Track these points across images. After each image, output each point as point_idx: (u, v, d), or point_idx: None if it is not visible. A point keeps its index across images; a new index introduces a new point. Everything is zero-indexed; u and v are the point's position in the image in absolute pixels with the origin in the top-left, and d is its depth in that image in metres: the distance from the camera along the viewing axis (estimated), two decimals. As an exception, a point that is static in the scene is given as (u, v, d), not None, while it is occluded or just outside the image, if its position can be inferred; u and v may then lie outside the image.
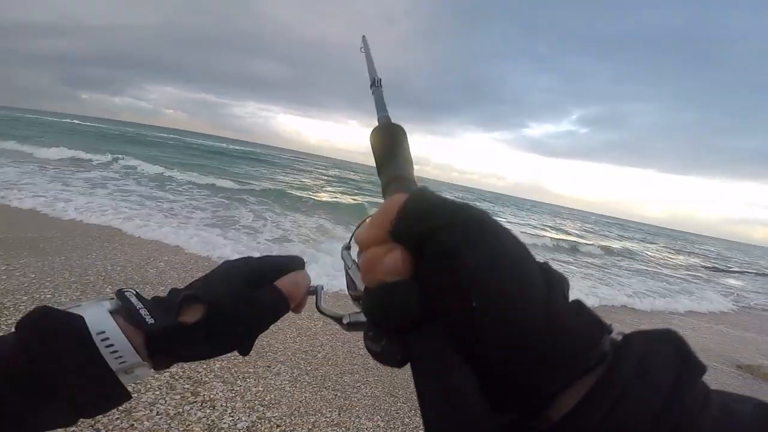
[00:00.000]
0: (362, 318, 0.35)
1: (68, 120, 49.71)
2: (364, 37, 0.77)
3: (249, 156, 33.99)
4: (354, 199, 15.70)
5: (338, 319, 0.39)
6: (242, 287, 0.43)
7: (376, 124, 0.50)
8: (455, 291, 0.24)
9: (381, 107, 0.55)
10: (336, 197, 15.70)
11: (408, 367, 0.26)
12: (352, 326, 0.37)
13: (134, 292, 0.40)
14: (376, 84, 0.61)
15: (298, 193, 13.17)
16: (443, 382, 0.24)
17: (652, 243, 29.51)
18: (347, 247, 0.45)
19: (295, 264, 0.48)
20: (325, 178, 26.89)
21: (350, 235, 0.40)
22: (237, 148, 48.40)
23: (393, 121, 0.51)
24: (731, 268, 20.32)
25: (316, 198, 13.07)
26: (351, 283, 0.40)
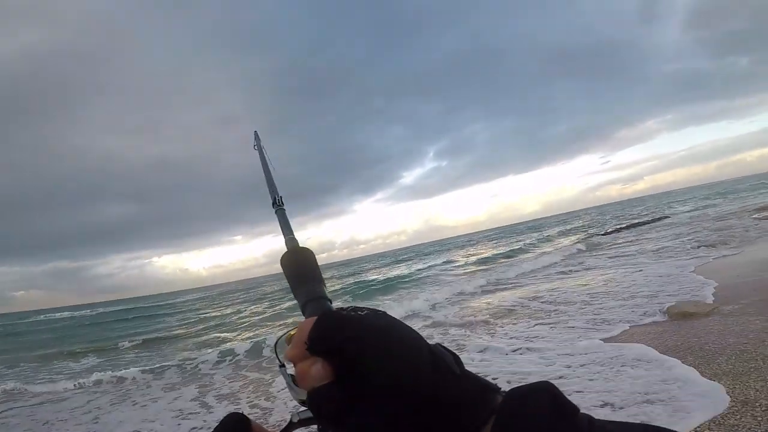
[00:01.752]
0: (309, 414, 0.39)
1: None
2: (256, 133, 0.87)
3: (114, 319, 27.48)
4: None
5: (290, 423, 0.42)
6: None
7: (284, 247, 0.54)
8: (365, 380, 0.32)
9: (287, 229, 0.60)
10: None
11: None
12: (302, 422, 0.41)
13: None
14: (278, 202, 0.66)
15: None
16: None
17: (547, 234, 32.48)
18: (281, 365, 0.47)
19: (239, 427, 0.41)
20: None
21: (275, 355, 0.46)
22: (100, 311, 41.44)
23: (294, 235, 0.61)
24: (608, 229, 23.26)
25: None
26: (293, 393, 0.43)
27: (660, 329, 4.63)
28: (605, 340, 4.63)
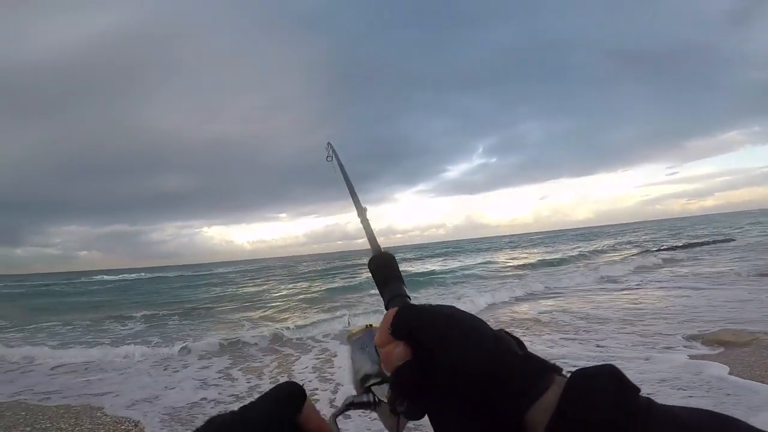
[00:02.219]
0: (363, 398, 0.51)
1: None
2: (329, 144, 0.92)
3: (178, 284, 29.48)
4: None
5: (345, 405, 0.51)
6: None
7: (370, 252, 0.64)
8: (436, 359, 0.39)
9: (371, 235, 0.69)
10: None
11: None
12: (354, 405, 0.51)
13: None
14: (363, 214, 0.75)
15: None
16: (445, 420, 0.39)
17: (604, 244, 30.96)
18: (361, 347, 0.56)
19: (295, 397, 0.46)
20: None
21: (348, 345, 0.58)
22: (160, 275, 44.57)
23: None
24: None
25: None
26: (362, 373, 0.53)
27: (694, 353, 4.59)
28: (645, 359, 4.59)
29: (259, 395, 0.45)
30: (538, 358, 0.40)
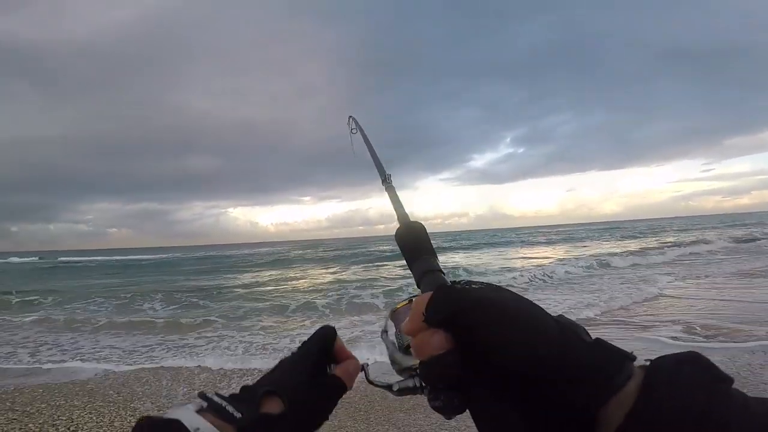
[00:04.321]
0: (409, 384, 0.44)
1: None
2: (351, 117, 0.91)
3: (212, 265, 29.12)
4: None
5: (388, 387, 0.46)
6: (309, 378, 0.48)
7: (396, 223, 0.58)
8: (482, 349, 0.34)
9: (398, 204, 0.63)
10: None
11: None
12: (401, 392, 0.45)
13: (215, 393, 0.43)
14: (387, 180, 0.70)
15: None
16: (493, 417, 0.35)
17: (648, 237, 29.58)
18: (384, 331, 0.49)
19: (329, 336, 0.53)
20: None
21: (385, 321, 0.49)
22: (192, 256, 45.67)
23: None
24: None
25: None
26: (393, 360, 0.47)
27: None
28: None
29: (308, 337, 0.54)
30: (610, 345, 0.34)
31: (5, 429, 3.38)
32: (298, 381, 0.48)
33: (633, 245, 22.16)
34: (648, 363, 0.32)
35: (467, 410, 0.37)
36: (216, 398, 0.42)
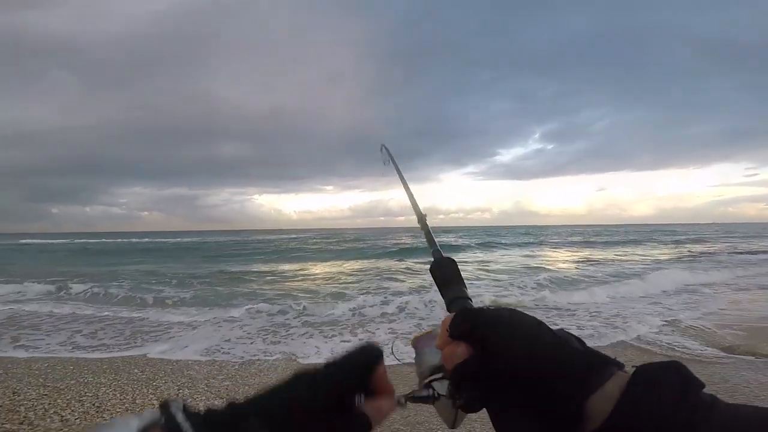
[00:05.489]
0: (423, 393, 0.49)
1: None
2: (383, 147, 0.93)
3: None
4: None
5: (408, 397, 0.49)
6: (324, 411, 0.39)
7: (431, 258, 0.66)
8: (494, 356, 0.42)
9: (431, 242, 0.70)
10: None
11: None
12: (415, 399, 0.49)
13: (182, 405, 0.34)
14: (423, 220, 0.76)
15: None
16: (508, 411, 0.42)
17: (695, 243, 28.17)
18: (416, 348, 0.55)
19: (371, 359, 0.45)
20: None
21: (413, 345, 0.55)
22: (219, 240, 46.97)
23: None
24: None
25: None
26: (420, 375, 0.52)
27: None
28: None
29: (344, 352, 0.45)
30: (599, 353, 0.41)
31: (35, 404, 3.53)
32: (306, 410, 0.38)
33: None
34: (634, 368, 0.39)
35: (483, 409, 0.45)
36: (179, 415, 0.33)
